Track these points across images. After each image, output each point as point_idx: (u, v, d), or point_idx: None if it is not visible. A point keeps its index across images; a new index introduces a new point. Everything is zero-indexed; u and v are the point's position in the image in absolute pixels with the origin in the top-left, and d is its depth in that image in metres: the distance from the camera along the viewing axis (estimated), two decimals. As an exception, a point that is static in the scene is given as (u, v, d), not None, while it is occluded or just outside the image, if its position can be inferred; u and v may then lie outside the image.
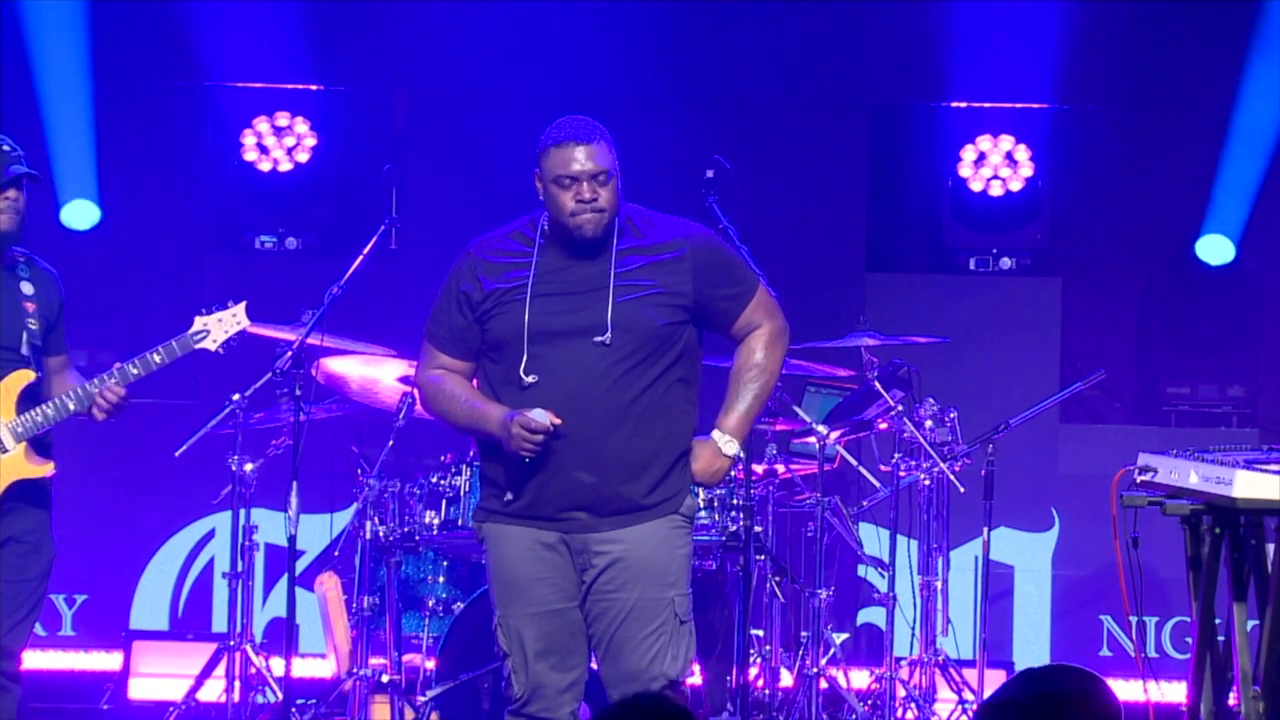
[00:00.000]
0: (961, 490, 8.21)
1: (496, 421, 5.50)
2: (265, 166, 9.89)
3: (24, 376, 6.44)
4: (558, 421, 5.43)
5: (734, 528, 7.50)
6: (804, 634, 8.20)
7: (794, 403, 8.17)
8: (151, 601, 9.72)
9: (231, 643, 8.02)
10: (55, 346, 6.58)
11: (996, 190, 9.90)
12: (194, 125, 10.06)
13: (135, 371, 6.50)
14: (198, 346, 6.63)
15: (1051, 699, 3.98)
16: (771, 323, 5.71)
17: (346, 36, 10.02)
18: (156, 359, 6.53)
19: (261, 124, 9.89)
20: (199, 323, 6.67)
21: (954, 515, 8.44)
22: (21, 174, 6.45)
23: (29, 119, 9.45)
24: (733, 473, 6.47)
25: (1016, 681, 4.08)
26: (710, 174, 6.98)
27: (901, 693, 8.24)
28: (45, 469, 6.46)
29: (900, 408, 8.21)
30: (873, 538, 8.98)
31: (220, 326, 6.67)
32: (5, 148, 6.46)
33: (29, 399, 6.44)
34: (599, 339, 5.51)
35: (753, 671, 8.14)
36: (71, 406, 6.45)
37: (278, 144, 9.89)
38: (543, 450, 5.46)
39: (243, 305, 6.72)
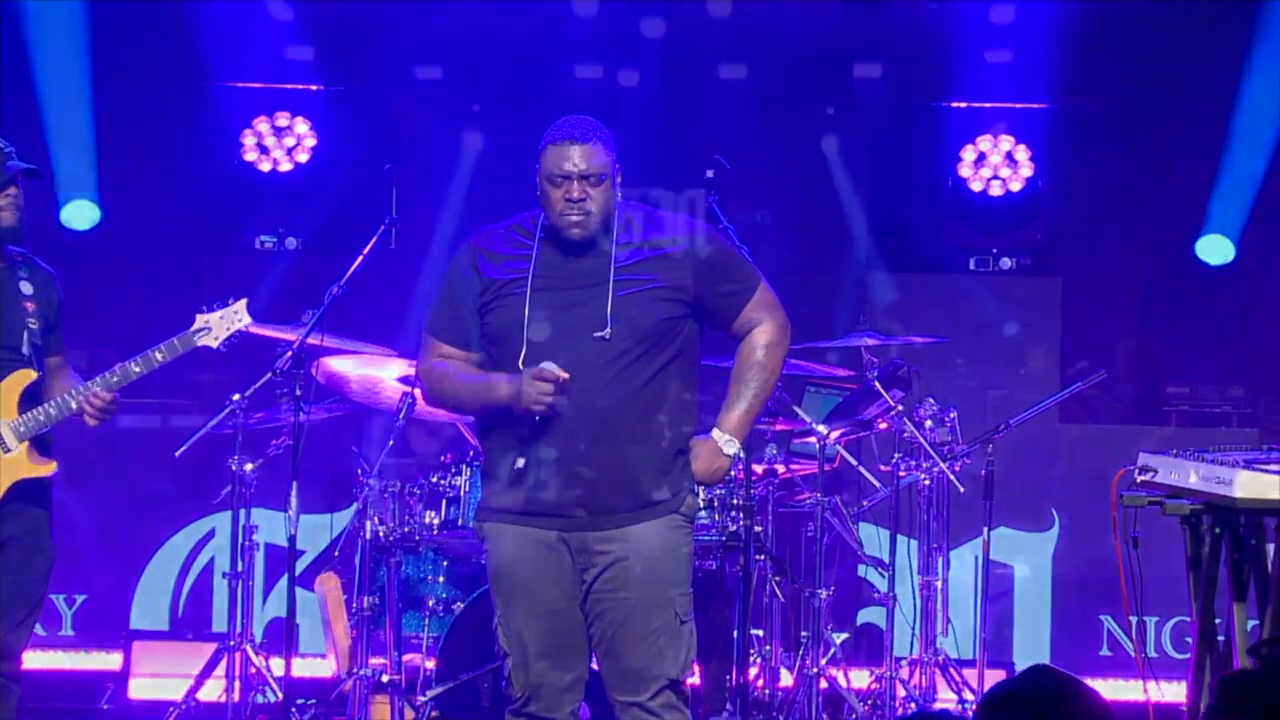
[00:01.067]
0: (961, 490, 8.21)
1: (506, 384, 5.49)
2: (265, 167, 9.88)
3: (25, 376, 6.44)
4: (565, 375, 5.41)
5: (734, 528, 7.50)
6: (804, 634, 8.20)
7: (794, 403, 8.17)
8: (151, 601, 9.72)
9: (231, 643, 8.02)
10: (54, 347, 6.59)
11: (996, 190, 9.89)
12: (194, 125, 10.05)
13: (138, 369, 6.52)
14: (200, 343, 6.65)
15: (1051, 692, 3.96)
16: (773, 320, 5.70)
17: (346, 36, 10.01)
18: (159, 356, 6.55)
19: (261, 124, 9.89)
20: (200, 320, 6.69)
21: (954, 515, 8.44)
22: (19, 170, 6.45)
23: (29, 119, 9.45)
24: (733, 473, 6.46)
25: (1023, 676, 4.05)
26: (710, 174, 6.97)
27: (901, 693, 8.23)
28: (47, 468, 6.47)
29: (900, 408, 8.20)
30: (873, 538, 8.98)
31: (222, 324, 6.69)
32: None
33: (30, 399, 6.45)
34: (599, 334, 5.51)
35: (753, 671, 8.14)
36: (73, 405, 6.46)
37: (278, 144, 9.89)
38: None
39: (243, 302, 6.74)
